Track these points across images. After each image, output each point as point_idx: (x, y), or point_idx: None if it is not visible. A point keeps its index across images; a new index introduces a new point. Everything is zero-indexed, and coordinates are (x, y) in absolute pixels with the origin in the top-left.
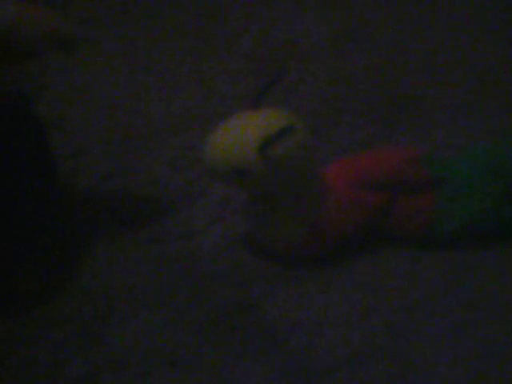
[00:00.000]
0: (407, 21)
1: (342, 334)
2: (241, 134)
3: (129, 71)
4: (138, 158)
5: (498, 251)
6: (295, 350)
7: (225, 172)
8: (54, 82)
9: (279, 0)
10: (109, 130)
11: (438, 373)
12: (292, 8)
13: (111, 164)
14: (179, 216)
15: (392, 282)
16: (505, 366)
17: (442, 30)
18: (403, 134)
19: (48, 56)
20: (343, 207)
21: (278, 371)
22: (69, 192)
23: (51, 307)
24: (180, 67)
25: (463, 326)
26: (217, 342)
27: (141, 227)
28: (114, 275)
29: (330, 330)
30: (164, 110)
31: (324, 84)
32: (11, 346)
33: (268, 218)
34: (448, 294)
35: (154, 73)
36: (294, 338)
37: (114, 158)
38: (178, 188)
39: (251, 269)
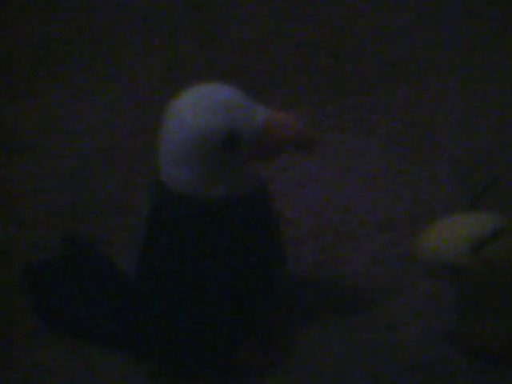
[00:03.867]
0: None
1: None
2: (455, 232)
3: (336, 170)
4: (346, 250)
5: None
6: None
7: (437, 267)
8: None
9: None
10: (321, 225)
11: None
12: None
13: (324, 254)
14: (383, 307)
15: None
16: None
17: None
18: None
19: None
20: None
21: None
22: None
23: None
24: (387, 171)
25: None
26: None
27: (346, 315)
28: (318, 357)
29: None
30: (372, 209)
31: None
32: None
33: (480, 316)
34: None
35: (363, 175)
36: None
37: (326, 248)
38: (382, 280)
39: (455, 364)
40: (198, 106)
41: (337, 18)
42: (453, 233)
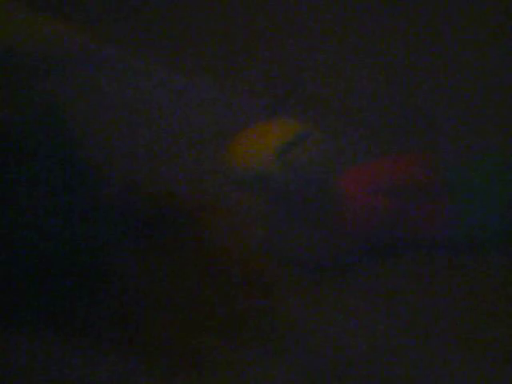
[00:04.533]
0: (415, 36)
1: (362, 336)
2: (261, 140)
3: (151, 88)
4: (161, 171)
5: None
6: (314, 351)
7: (246, 179)
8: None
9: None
10: (133, 145)
11: (458, 375)
12: (305, 25)
13: (135, 176)
14: (204, 224)
15: (410, 286)
16: None
17: (450, 44)
18: (416, 146)
19: None
20: (359, 213)
21: (297, 371)
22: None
23: None
24: (200, 85)
25: (481, 329)
26: (239, 343)
27: (161, 235)
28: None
29: (350, 333)
30: (184, 126)
31: (338, 98)
32: None
33: (287, 225)
34: (465, 297)
35: (176, 91)
36: (314, 340)
37: (137, 170)
38: (199, 197)
39: (271, 275)
40: None
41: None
42: (258, 141)
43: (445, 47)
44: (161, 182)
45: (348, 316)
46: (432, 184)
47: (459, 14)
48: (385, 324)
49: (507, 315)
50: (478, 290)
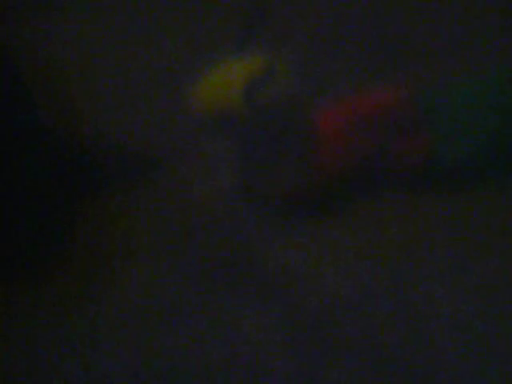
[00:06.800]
0: None
1: (344, 278)
2: (227, 79)
3: (118, 28)
4: (129, 116)
5: (496, 186)
6: (296, 297)
7: (214, 118)
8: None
9: None
10: (97, 90)
11: (442, 311)
12: None
13: (104, 123)
14: (174, 170)
15: (391, 224)
16: (508, 303)
17: None
18: (395, 75)
19: None
20: (337, 149)
21: (279, 318)
22: (63, 151)
23: (44, 269)
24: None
25: (466, 264)
26: (217, 291)
27: (136, 182)
28: (108, 229)
29: (331, 276)
30: (154, 65)
31: (313, 28)
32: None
33: (262, 164)
34: (449, 232)
35: (138, 27)
36: (294, 285)
37: (106, 117)
38: (170, 143)
39: (249, 218)
40: None
41: None
42: (224, 80)
43: None
44: (126, 126)
45: (329, 257)
46: (412, 114)
47: None
48: (368, 266)
49: (495, 249)
50: (461, 227)
